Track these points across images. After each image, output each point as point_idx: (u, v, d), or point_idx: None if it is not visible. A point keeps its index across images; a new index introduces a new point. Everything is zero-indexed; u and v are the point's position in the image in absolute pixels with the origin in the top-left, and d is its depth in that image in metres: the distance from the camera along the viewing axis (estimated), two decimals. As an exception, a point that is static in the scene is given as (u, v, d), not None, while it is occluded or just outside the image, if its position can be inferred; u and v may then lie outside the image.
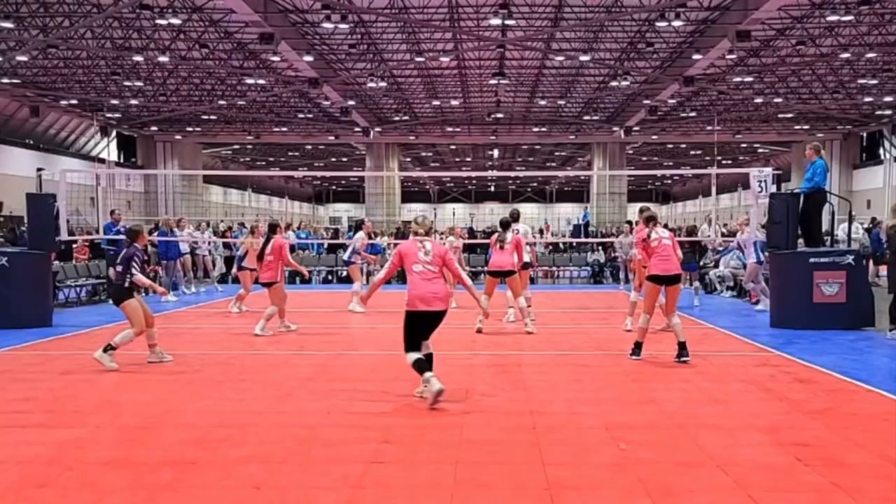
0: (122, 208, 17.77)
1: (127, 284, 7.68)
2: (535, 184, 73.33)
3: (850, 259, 10.35)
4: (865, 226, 20.36)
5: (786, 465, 4.54)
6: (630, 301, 10.49)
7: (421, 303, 5.96)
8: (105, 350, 7.47)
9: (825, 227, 11.73)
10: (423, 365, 5.94)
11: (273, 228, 10.67)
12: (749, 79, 30.27)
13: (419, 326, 6.03)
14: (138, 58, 26.15)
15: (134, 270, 7.67)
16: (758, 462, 4.60)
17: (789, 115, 37.73)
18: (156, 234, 16.87)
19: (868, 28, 23.90)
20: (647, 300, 8.18)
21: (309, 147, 52.03)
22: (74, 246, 17.74)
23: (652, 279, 8.05)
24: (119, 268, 7.75)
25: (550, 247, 22.51)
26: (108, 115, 36.28)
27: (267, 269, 10.26)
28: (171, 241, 15.39)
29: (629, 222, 21.58)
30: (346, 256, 14.07)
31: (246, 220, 32.29)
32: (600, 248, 21.11)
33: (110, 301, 8.18)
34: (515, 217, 11.29)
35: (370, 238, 15.50)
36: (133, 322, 7.67)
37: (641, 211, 10.44)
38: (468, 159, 61.49)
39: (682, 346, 7.88)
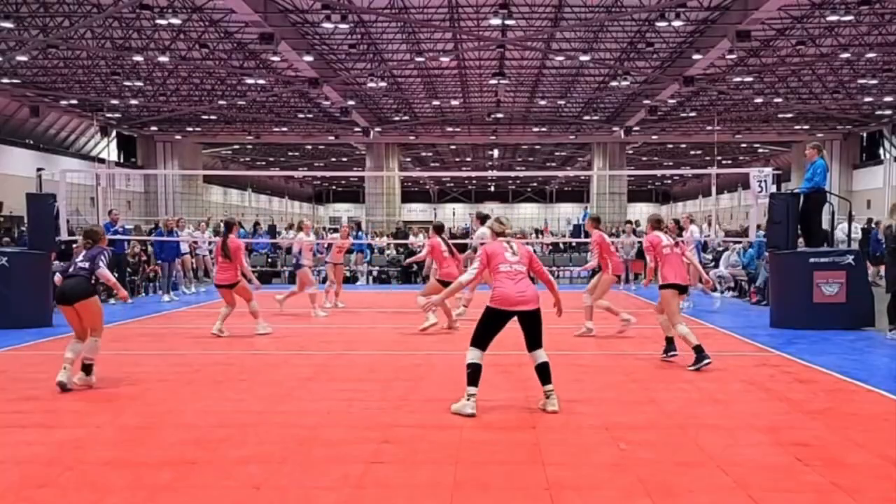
0: (122, 208, 17.82)
1: (92, 280, 6.81)
2: (535, 184, 73.33)
3: (850, 259, 10.35)
4: (862, 226, 20.38)
5: (786, 465, 4.54)
6: (586, 305, 10.04)
7: (506, 302, 5.74)
8: (87, 372, 6.64)
9: (824, 227, 11.74)
10: (476, 376, 5.67)
11: (229, 227, 10.11)
12: (749, 79, 30.28)
13: (495, 324, 5.79)
14: (138, 58, 26.16)
15: (101, 264, 6.80)
16: (758, 462, 4.60)
17: (789, 115, 37.75)
18: (154, 233, 16.89)
19: (868, 28, 23.91)
20: (671, 308, 7.77)
21: (309, 147, 52.05)
22: (74, 246, 17.73)
23: (672, 287, 7.80)
24: (85, 264, 6.78)
25: (550, 247, 22.51)
26: (108, 115, 36.29)
27: (225, 271, 9.83)
28: (168, 240, 15.38)
29: (629, 222, 21.65)
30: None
31: (246, 220, 32.21)
32: (600, 248, 21.06)
33: (56, 303, 6.90)
34: (483, 219, 11.26)
35: (354, 236, 15.28)
36: (97, 324, 6.75)
37: (594, 220, 10.37)
38: (468, 159, 61.51)
39: (671, 342, 7.88)
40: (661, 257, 7.97)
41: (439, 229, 10.49)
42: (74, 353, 6.63)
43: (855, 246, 15.70)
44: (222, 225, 10.18)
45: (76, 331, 6.75)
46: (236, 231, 10.31)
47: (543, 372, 5.86)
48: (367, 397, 6.33)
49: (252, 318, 10.02)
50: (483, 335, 5.78)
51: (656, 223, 8.37)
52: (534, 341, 5.86)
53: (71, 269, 6.85)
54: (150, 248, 17.25)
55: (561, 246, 22.70)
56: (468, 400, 5.66)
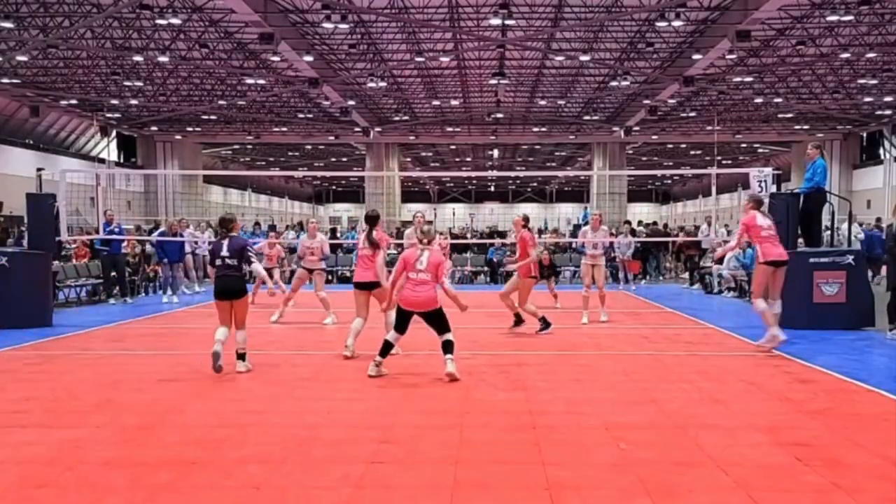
0: (122, 208, 17.82)
1: (243, 275, 7.59)
2: (535, 184, 73.30)
3: (850, 259, 10.35)
4: (872, 225, 20.39)
5: (786, 465, 4.54)
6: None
7: (405, 303, 6.99)
8: (243, 359, 7.42)
9: (827, 226, 11.73)
10: (385, 349, 7.08)
11: None
12: (749, 79, 30.28)
13: (405, 316, 7.05)
14: (138, 58, 26.16)
15: (253, 260, 7.61)
16: (758, 462, 4.60)
17: (789, 115, 37.74)
18: (155, 233, 16.86)
19: (868, 28, 23.91)
20: (512, 286, 10.06)
21: (309, 147, 52.02)
22: (73, 247, 17.73)
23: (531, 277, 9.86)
24: (233, 261, 7.38)
25: (550, 247, 22.49)
26: (108, 115, 36.29)
27: None
28: (171, 240, 15.36)
29: (628, 222, 21.65)
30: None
31: (246, 221, 32.17)
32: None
33: (215, 297, 7.51)
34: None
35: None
36: (245, 318, 7.52)
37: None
38: (468, 159, 61.49)
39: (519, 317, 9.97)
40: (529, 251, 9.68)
41: (373, 220, 8.43)
42: (223, 336, 7.37)
43: (857, 246, 15.68)
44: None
45: (223, 319, 7.47)
46: None
47: (446, 346, 6.95)
48: (367, 397, 6.34)
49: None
50: (398, 323, 7.12)
51: (527, 220, 10.13)
52: (439, 330, 7.00)
53: (219, 263, 7.45)
54: (147, 248, 17.25)
55: (561, 245, 22.66)
56: (375, 364, 7.05)
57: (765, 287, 8.54)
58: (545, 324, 9.93)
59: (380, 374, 7.06)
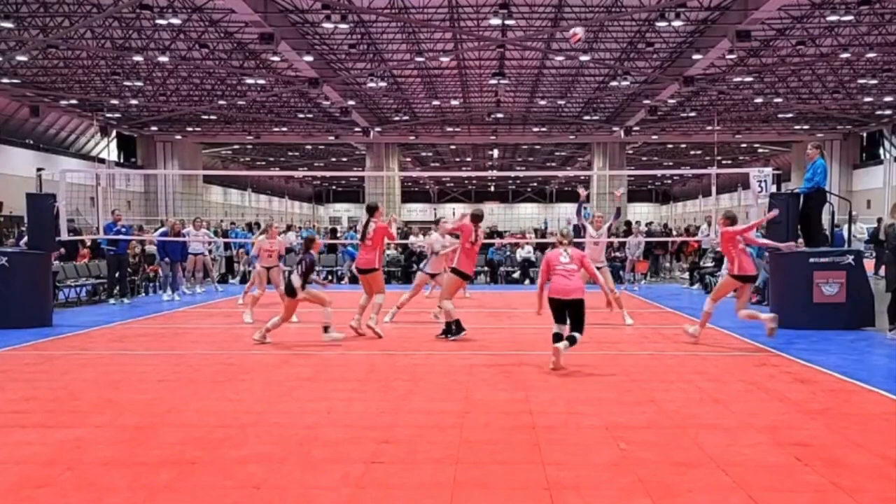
0: (122, 208, 17.80)
1: (300, 285, 8.99)
2: (535, 184, 73.38)
3: (850, 259, 10.34)
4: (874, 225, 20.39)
5: (786, 465, 4.54)
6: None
7: (556, 292, 7.49)
8: (326, 330, 9.15)
9: (827, 226, 11.72)
10: (556, 338, 7.43)
11: None
12: (749, 79, 30.31)
13: (557, 309, 7.52)
14: (138, 58, 26.19)
15: (296, 272, 9.08)
16: (758, 462, 4.60)
17: (789, 115, 37.76)
18: (157, 234, 16.84)
19: (868, 28, 23.93)
20: (449, 289, 9.61)
21: (309, 147, 52.07)
22: (83, 249, 17.74)
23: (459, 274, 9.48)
24: (297, 269, 9.08)
25: (551, 247, 22.52)
26: (108, 115, 36.33)
27: None
28: (176, 240, 15.35)
29: (628, 222, 21.65)
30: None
31: (246, 221, 32.20)
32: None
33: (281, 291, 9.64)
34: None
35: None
36: (291, 311, 9.21)
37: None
38: (468, 159, 61.52)
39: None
40: (469, 248, 9.42)
41: (372, 210, 10.33)
42: (273, 324, 9.22)
43: (858, 246, 15.67)
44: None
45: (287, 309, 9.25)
46: None
47: (571, 339, 7.45)
48: (367, 397, 6.33)
49: (269, 314, 9.81)
50: (556, 317, 7.58)
51: (477, 218, 9.61)
52: (576, 325, 7.49)
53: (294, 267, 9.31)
54: (147, 248, 17.22)
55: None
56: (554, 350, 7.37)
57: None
58: (449, 330, 9.32)
59: (559, 364, 7.36)
